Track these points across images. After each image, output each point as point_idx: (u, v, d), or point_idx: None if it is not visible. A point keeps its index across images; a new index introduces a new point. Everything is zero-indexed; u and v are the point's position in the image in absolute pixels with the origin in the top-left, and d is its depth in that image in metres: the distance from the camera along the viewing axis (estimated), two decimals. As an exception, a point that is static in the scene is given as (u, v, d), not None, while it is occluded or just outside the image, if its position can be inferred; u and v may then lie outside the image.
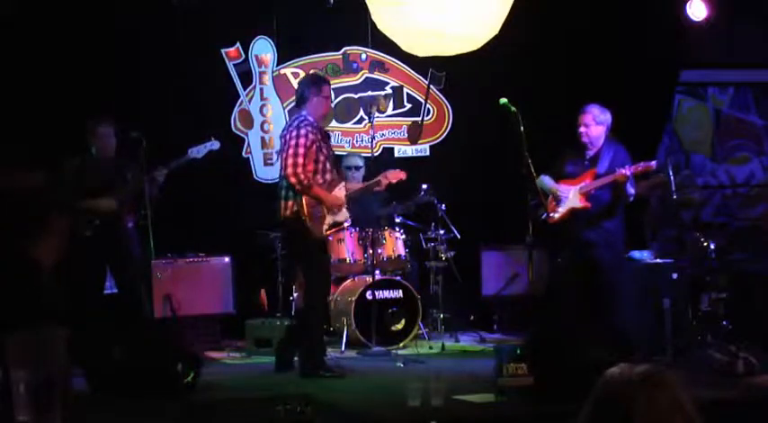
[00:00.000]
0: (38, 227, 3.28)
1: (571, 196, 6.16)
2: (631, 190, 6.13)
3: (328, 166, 5.90)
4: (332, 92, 6.47)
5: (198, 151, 6.71)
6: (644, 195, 7.13)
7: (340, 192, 5.96)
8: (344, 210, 5.99)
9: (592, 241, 6.13)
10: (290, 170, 5.72)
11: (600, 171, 6.14)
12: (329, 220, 5.88)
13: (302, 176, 5.71)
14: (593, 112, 6.15)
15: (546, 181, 6.20)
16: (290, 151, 5.75)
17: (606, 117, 6.19)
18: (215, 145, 6.80)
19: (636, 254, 6.73)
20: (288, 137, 5.79)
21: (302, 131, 5.76)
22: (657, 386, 1.83)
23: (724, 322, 6.21)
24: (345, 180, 6.63)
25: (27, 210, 3.30)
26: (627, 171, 5.97)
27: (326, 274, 6.10)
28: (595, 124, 6.15)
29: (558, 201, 6.18)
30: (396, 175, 6.37)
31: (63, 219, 3.50)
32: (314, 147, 5.77)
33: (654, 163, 6.16)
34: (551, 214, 6.15)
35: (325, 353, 6.03)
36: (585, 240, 6.13)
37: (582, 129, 6.16)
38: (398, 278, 7.12)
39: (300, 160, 5.72)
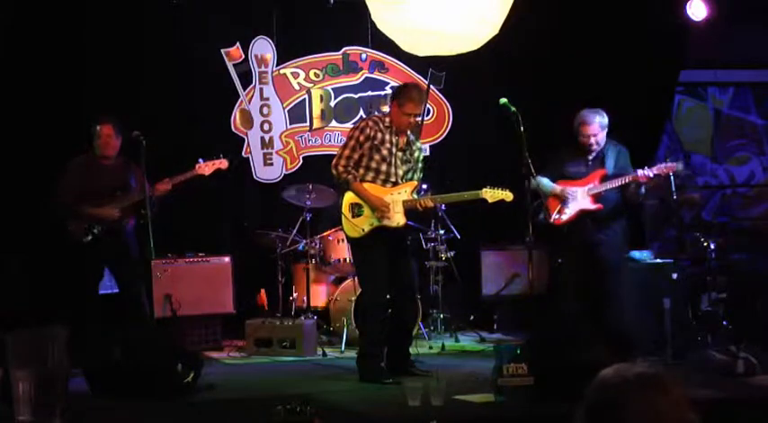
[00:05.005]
0: None
1: (579, 197, 6.12)
2: (642, 190, 6.08)
3: (383, 167, 5.60)
4: (421, 111, 5.93)
5: (207, 168, 6.64)
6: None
7: (392, 196, 5.60)
8: (397, 215, 5.58)
9: (599, 242, 6.10)
10: (333, 161, 5.66)
11: (609, 172, 6.11)
12: (372, 221, 5.58)
13: (340, 169, 5.59)
14: (596, 120, 6.08)
15: (544, 182, 6.12)
16: (343, 143, 5.77)
17: (606, 120, 6.14)
18: (224, 164, 6.71)
19: (636, 254, 6.71)
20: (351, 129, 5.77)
21: (361, 124, 5.69)
22: (655, 387, 1.82)
23: (724, 322, 6.21)
24: None
25: None
26: (649, 172, 5.91)
27: (367, 275, 5.70)
28: (601, 131, 6.11)
29: (563, 202, 6.12)
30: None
31: None
32: (369, 143, 5.57)
33: (680, 164, 6.06)
34: (556, 215, 6.10)
35: (381, 358, 5.61)
36: (593, 241, 6.09)
37: (591, 139, 6.07)
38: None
39: (346, 152, 5.62)
